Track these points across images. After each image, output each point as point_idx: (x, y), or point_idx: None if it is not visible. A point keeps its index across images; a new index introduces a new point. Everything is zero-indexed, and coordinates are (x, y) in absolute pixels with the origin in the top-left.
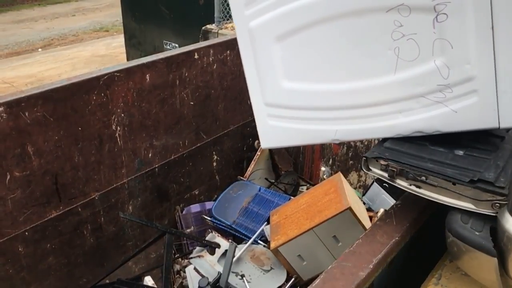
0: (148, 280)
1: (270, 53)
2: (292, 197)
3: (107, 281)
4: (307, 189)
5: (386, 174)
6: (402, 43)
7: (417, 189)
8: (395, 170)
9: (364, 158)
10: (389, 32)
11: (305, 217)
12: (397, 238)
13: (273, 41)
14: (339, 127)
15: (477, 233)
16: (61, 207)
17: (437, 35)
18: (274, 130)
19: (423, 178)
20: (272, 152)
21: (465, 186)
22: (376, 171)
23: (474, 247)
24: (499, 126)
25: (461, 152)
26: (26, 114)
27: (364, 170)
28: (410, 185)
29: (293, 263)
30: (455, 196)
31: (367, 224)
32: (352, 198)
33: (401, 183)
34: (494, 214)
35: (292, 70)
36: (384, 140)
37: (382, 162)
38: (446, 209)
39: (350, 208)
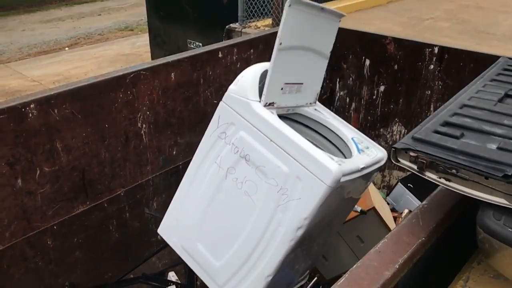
0: (172, 276)
1: (198, 251)
2: None
3: (132, 276)
4: None
5: (415, 166)
6: (245, 186)
7: (447, 182)
8: (424, 162)
9: (393, 149)
10: (235, 186)
11: None
12: (423, 238)
13: (196, 241)
14: (266, 259)
15: (510, 229)
16: (88, 202)
17: (254, 167)
18: None
19: (454, 171)
20: None
21: (498, 180)
22: (405, 163)
23: (507, 243)
24: (333, 186)
25: (494, 146)
26: (55, 111)
27: (393, 161)
28: (440, 178)
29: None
30: (487, 190)
31: (391, 224)
32: (376, 199)
33: (431, 176)
34: None
35: (216, 251)
36: (414, 131)
37: (412, 153)
38: (474, 210)
39: (374, 208)
